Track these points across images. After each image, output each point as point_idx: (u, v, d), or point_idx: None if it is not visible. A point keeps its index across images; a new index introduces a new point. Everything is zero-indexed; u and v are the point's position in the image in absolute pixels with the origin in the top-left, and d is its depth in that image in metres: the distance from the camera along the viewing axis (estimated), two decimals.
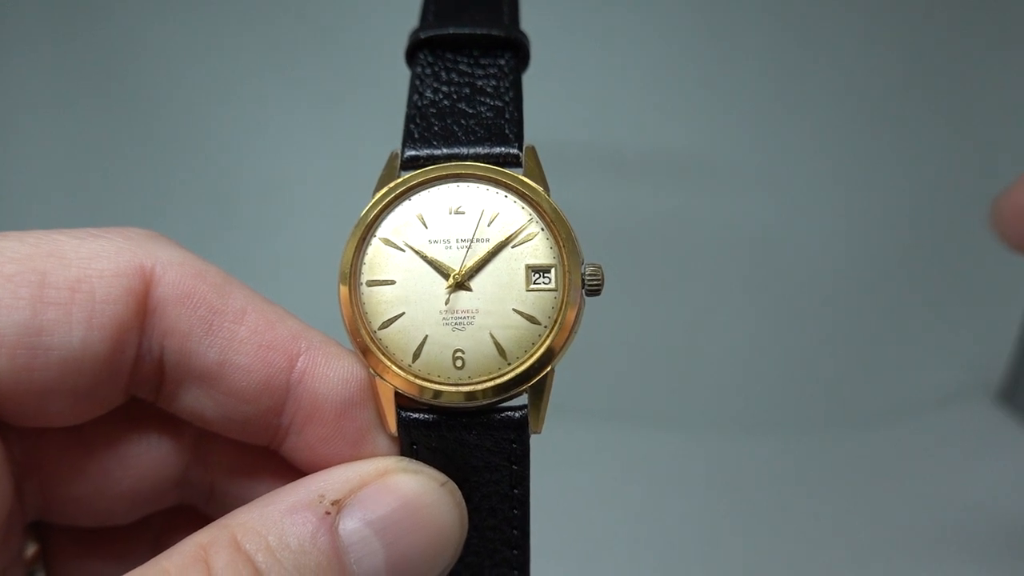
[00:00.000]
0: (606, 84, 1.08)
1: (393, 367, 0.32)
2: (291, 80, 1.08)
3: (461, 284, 0.33)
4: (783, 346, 1.10)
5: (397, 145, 0.35)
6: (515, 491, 0.34)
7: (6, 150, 1.08)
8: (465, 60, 0.37)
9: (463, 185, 0.34)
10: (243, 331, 0.32)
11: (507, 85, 0.36)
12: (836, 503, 0.93)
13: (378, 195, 0.34)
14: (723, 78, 1.09)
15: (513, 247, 0.33)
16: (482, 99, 0.36)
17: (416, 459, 0.33)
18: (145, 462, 0.35)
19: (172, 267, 0.32)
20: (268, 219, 1.09)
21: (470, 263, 0.33)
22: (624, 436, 1.00)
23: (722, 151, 1.10)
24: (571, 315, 0.33)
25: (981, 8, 1.06)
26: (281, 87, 1.09)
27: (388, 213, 0.34)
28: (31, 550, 0.36)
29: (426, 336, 0.32)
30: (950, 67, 1.07)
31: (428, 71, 0.37)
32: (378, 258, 0.33)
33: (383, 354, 0.32)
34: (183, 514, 0.38)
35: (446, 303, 0.33)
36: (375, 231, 0.33)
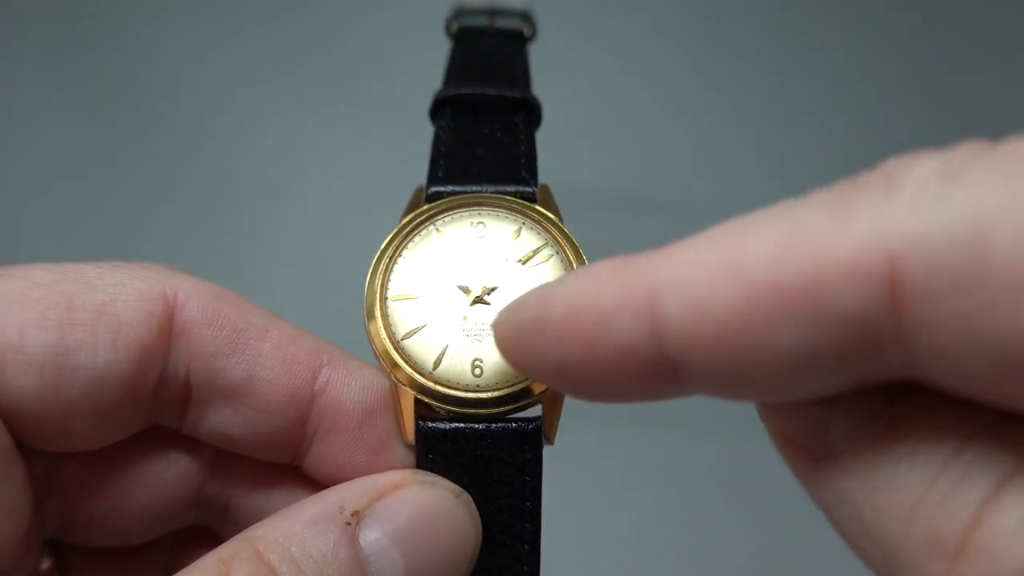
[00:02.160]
0: (611, 131, 1.11)
1: (415, 375, 0.34)
2: (295, 83, 1.08)
3: (480, 299, 0.35)
4: None
5: (404, 154, 0.36)
6: (527, 504, 0.34)
7: (7, 151, 1.08)
8: (484, 117, 0.41)
9: (483, 211, 0.36)
10: (267, 347, 0.33)
11: (522, 138, 0.40)
12: None
13: (405, 220, 0.36)
14: (720, 116, 1.11)
15: (529, 267, 0.35)
16: (500, 149, 0.39)
17: (432, 469, 0.34)
18: (163, 480, 0.36)
19: (195, 293, 0.33)
20: (272, 223, 1.09)
21: (489, 281, 0.35)
22: (624, 438, 1.00)
23: (726, 182, 1.11)
24: None
25: (978, 40, 1.07)
26: (285, 90, 1.09)
27: (414, 235, 0.36)
28: (45, 564, 0.36)
29: (447, 345, 0.34)
30: (950, 79, 1.08)
31: (450, 125, 0.40)
32: (403, 276, 0.35)
33: (406, 362, 0.34)
34: (196, 535, 0.39)
35: (466, 316, 0.34)
36: (401, 252, 0.36)
